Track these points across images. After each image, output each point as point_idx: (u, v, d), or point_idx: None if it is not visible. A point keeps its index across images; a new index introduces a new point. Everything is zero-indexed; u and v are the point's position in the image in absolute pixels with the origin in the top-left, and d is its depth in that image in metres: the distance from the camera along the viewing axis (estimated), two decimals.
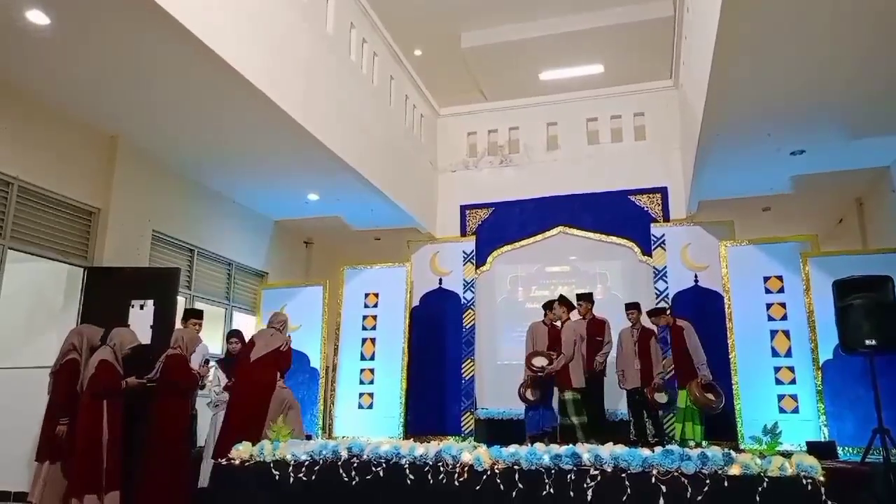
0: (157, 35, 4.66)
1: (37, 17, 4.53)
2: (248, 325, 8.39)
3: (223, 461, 4.39)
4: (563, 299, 6.87)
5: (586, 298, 7.14)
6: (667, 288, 8.09)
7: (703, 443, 6.20)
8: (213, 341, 6.98)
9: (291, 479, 4.09)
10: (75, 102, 5.81)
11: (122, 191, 6.47)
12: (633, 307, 7.06)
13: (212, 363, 6.16)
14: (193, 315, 5.99)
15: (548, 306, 7.06)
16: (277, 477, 4.13)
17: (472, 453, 3.81)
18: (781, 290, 7.04)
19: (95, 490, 4.75)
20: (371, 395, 8.16)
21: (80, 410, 4.96)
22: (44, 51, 4.96)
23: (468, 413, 8.29)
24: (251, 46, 5.25)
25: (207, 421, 6.22)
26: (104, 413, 4.93)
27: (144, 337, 5.88)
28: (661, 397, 6.64)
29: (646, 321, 6.99)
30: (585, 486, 3.51)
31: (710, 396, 6.29)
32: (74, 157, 6.06)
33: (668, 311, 6.91)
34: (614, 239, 8.59)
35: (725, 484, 3.36)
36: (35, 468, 5.00)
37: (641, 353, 6.87)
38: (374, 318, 8.38)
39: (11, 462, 5.90)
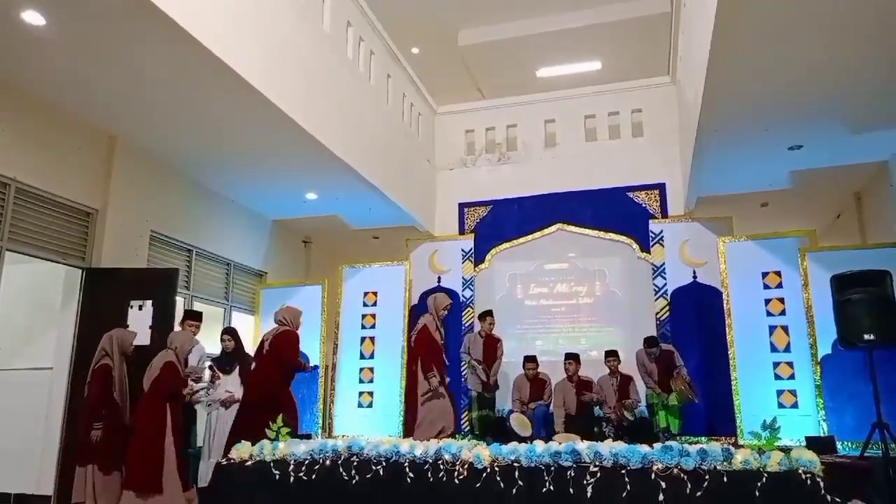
0: (154, 35, 4.64)
1: (33, 18, 4.51)
2: (247, 325, 8.39)
3: (223, 461, 4.40)
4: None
5: (574, 359, 7.49)
6: (665, 284, 8.10)
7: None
8: (213, 342, 6.97)
9: (292, 479, 4.09)
10: (73, 103, 5.80)
11: (120, 191, 6.46)
12: (612, 355, 7.36)
13: (207, 363, 6.14)
14: (189, 317, 5.99)
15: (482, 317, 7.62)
16: (278, 476, 4.13)
17: (472, 451, 3.82)
18: (780, 286, 7.05)
19: (157, 491, 4.76)
20: (371, 393, 8.17)
21: (140, 413, 4.98)
22: (41, 51, 4.95)
23: (467, 411, 8.29)
24: (248, 45, 5.24)
25: (213, 420, 6.21)
26: (167, 416, 4.96)
27: (143, 337, 5.89)
28: (630, 414, 7.09)
29: (624, 367, 7.37)
30: (585, 482, 3.52)
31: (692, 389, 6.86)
32: (72, 158, 6.05)
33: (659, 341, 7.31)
34: (613, 236, 8.59)
35: (725, 479, 3.37)
36: (79, 473, 4.99)
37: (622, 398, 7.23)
38: (374, 316, 8.39)
39: (10, 462, 5.91)
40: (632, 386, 7.25)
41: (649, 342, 7.12)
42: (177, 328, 5.94)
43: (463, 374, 7.90)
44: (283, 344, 5.58)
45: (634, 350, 7.34)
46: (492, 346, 7.47)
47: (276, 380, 5.49)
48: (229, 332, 6.48)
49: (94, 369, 5.20)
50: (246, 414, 5.42)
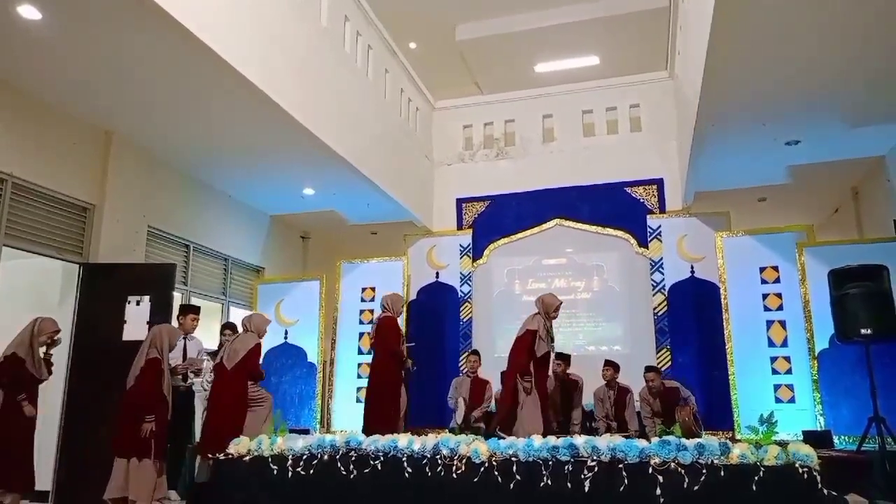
0: (150, 29, 4.62)
1: (28, 13, 4.50)
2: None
3: (221, 456, 4.40)
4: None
5: (564, 360, 7.20)
6: (663, 279, 8.10)
7: None
8: (211, 337, 6.97)
9: (290, 474, 4.10)
10: (69, 98, 5.78)
11: (117, 187, 6.44)
12: (609, 365, 7.11)
13: (206, 356, 6.14)
14: (188, 311, 6.05)
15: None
16: (276, 471, 4.14)
17: (470, 446, 3.82)
18: (777, 281, 7.06)
19: None
20: None
21: (224, 388, 5.43)
22: (36, 46, 4.93)
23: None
24: (245, 40, 5.22)
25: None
26: (247, 393, 5.46)
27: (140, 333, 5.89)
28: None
29: (622, 379, 7.07)
30: (583, 476, 3.53)
31: (698, 423, 6.45)
32: (69, 153, 6.03)
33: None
34: (610, 231, 8.59)
35: (722, 473, 3.38)
36: (118, 465, 4.97)
37: (618, 411, 7.00)
38: (372, 311, 8.39)
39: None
40: (629, 399, 6.98)
41: (647, 368, 6.88)
42: (175, 322, 5.95)
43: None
44: (385, 330, 6.18)
45: (632, 346, 7.30)
46: (479, 389, 7.20)
47: (392, 368, 6.11)
48: (229, 327, 6.53)
49: (143, 364, 5.18)
50: (372, 401, 6.10)
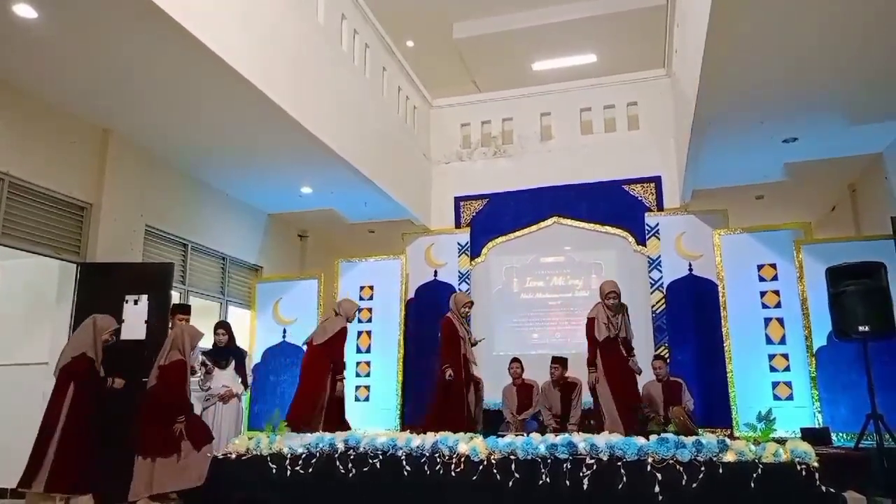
0: (147, 28, 4.61)
1: (24, 12, 4.48)
2: (243, 319, 8.38)
3: (220, 455, 4.40)
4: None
5: (560, 363, 7.21)
6: (661, 277, 8.11)
7: None
8: (209, 336, 6.96)
9: (288, 472, 4.09)
10: (66, 96, 5.76)
11: (114, 186, 6.43)
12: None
13: (199, 356, 6.12)
14: (179, 310, 6.12)
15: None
16: (274, 470, 4.14)
17: (469, 444, 3.83)
18: (775, 278, 7.07)
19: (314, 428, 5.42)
20: (367, 387, 8.18)
21: (309, 363, 6.06)
22: (33, 45, 4.91)
23: None
24: (242, 38, 5.21)
25: (210, 416, 6.19)
26: (329, 372, 6.02)
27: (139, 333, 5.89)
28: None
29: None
30: (581, 474, 3.53)
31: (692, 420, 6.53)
32: (66, 152, 6.02)
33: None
34: (608, 229, 8.59)
35: (720, 471, 3.39)
36: (141, 465, 4.97)
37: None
38: (370, 310, 8.40)
39: (5, 458, 5.89)
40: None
41: (655, 357, 7.00)
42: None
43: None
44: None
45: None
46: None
47: (450, 362, 6.29)
48: (223, 326, 6.48)
49: (167, 364, 5.20)
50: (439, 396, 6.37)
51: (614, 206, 8.59)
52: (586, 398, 7.22)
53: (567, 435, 3.76)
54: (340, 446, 4.09)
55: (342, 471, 3.99)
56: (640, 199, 8.56)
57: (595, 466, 3.53)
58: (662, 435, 3.59)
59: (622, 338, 6.26)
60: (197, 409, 6.24)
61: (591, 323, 6.28)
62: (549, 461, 3.61)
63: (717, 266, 7.32)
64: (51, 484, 4.79)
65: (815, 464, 3.33)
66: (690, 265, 8.00)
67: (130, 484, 4.91)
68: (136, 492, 4.89)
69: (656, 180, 8.56)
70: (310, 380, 6.08)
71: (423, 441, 3.94)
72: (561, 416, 6.99)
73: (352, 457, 4.02)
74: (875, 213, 7.53)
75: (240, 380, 6.31)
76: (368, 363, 8.26)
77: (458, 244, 9.04)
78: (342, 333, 6.23)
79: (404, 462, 3.88)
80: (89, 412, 5.02)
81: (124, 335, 5.98)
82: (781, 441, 3.52)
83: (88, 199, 6.25)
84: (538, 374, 7.39)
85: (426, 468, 3.83)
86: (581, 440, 3.64)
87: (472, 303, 6.72)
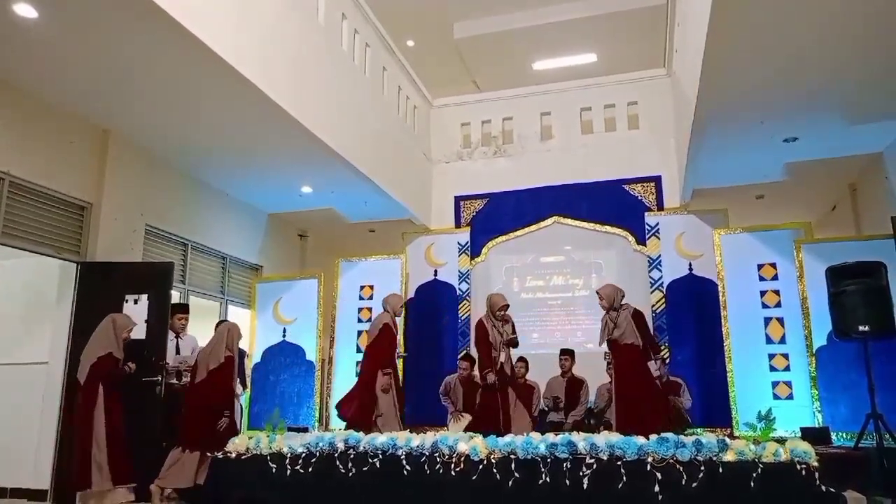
0: (148, 27, 4.61)
1: (25, 11, 4.48)
2: (243, 318, 8.37)
3: (220, 455, 4.39)
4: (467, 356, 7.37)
5: (569, 355, 7.30)
6: (661, 277, 8.11)
7: None
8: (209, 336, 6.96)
9: (288, 472, 4.10)
10: (66, 96, 5.76)
11: (114, 185, 6.43)
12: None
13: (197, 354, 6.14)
14: (177, 310, 6.21)
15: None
16: (274, 469, 4.14)
17: (469, 443, 3.83)
18: (775, 278, 7.07)
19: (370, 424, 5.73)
20: None
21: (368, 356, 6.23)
22: (33, 44, 4.91)
23: None
24: (242, 38, 5.21)
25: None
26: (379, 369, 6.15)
27: (139, 332, 5.88)
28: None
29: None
30: (581, 474, 3.53)
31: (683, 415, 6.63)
32: (66, 152, 6.01)
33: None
34: (608, 228, 8.59)
35: (720, 470, 3.39)
36: (189, 457, 5.14)
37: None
38: (370, 310, 8.39)
39: (6, 457, 5.90)
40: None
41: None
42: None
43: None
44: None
45: None
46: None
47: (485, 366, 6.25)
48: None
49: (223, 360, 5.37)
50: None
51: (614, 205, 8.59)
52: (591, 397, 7.29)
53: (567, 434, 3.76)
54: (340, 446, 4.09)
55: (342, 470, 3.99)
56: (640, 198, 8.56)
57: (595, 466, 3.53)
58: (662, 435, 3.59)
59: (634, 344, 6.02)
60: None
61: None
62: (549, 460, 3.61)
63: (718, 266, 7.32)
64: (116, 478, 5.03)
65: (815, 463, 3.33)
66: (690, 265, 8.00)
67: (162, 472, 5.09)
68: (182, 481, 5.06)
69: (656, 180, 8.56)
70: (359, 380, 6.37)
71: (422, 440, 3.94)
72: (565, 407, 7.07)
73: (352, 456, 4.02)
74: (875, 213, 7.52)
75: (239, 380, 6.31)
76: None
77: (459, 244, 9.04)
78: (386, 329, 6.30)
79: (404, 461, 3.88)
80: (124, 407, 5.24)
81: None
82: (781, 440, 3.52)
83: (88, 199, 6.25)
84: (538, 374, 7.40)
85: (426, 467, 3.83)
86: (581, 440, 3.64)
87: (507, 305, 6.43)
